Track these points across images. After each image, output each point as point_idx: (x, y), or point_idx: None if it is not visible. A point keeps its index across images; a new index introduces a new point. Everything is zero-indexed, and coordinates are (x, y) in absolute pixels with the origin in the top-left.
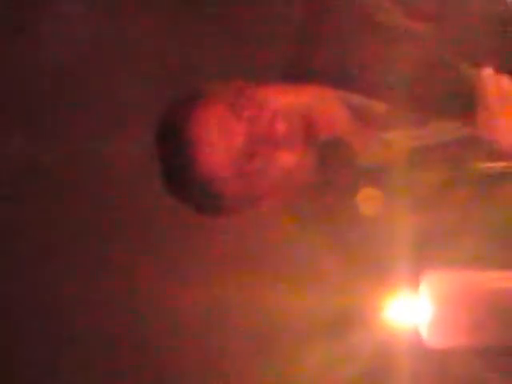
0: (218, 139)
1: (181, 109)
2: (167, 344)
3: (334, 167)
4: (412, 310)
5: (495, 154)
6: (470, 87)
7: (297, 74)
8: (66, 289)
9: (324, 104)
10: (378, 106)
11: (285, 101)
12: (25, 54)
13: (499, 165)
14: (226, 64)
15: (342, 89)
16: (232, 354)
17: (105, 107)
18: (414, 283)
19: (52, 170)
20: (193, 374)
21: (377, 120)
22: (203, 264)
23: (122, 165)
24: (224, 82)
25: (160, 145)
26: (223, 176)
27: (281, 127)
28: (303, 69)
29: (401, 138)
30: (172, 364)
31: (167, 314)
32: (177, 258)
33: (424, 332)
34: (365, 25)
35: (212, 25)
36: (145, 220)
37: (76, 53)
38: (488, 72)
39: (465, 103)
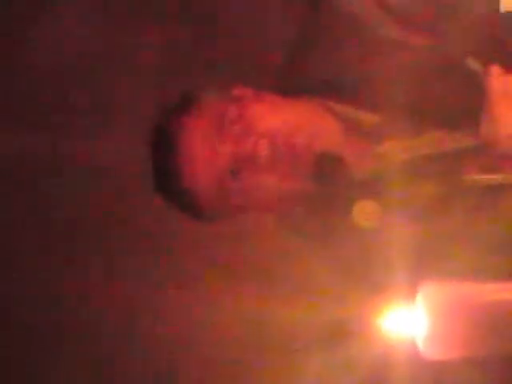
0: (202, 155)
1: (171, 117)
2: (159, 350)
3: (328, 181)
4: (409, 321)
5: (493, 165)
6: (476, 84)
7: (290, 85)
8: (54, 288)
9: (316, 117)
10: (372, 118)
11: (274, 121)
12: (21, 53)
13: (496, 176)
14: (221, 71)
15: (335, 101)
16: (226, 365)
17: (98, 108)
18: (411, 295)
19: (43, 168)
20: (186, 381)
21: (370, 132)
22: (197, 273)
23: (116, 166)
24: (218, 87)
25: (150, 149)
26: (203, 189)
27: (264, 153)
28: (297, 80)
29: (395, 150)
30: (165, 371)
31: (162, 321)
32: (171, 265)
33: (421, 344)
34: (359, 36)
35: (208, 30)
36: (136, 225)
37: (71, 55)
38: (495, 70)
39: (469, 107)
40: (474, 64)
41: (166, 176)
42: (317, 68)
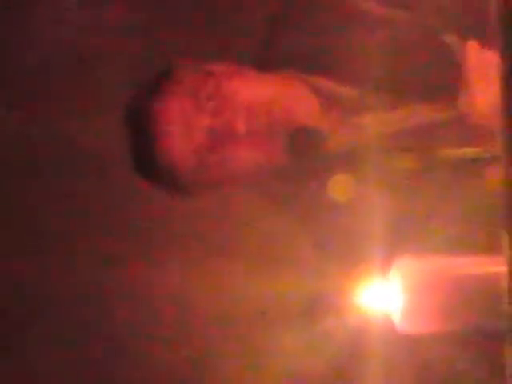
0: (180, 131)
1: (147, 94)
2: (140, 330)
3: (304, 154)
4: (384, 295)
5: (470, 139)
6: (453, 58)
7: (268, 58)
8: (37, 274)
9: (293, 91)
10: (350, 91)
11: (251, 95)
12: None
13: (473, 150)
14: (198, 46)
15: (313, 74)
16: (203, 339)
17: (80, 88)
18: (386, 269)
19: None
20: (165, 361)
21: (348, 105)
22: (173, 248)
23: (98, 147)
24: (195, 63)
25: (127, 130)
26: (183, 166)
27: (242, 126)
28: (275, 54)
29: (373, 123)
30: (144, 350)
31: (141, 300)
32: (149, 242)
33: (396, 318)
34: (337, 10)
35: (185, 6)
36: (119, 204)
37: (53, 36)
38: (472, 45)
39: (446, 81)
40: (451, 39)
41: (144, 153)
42: (294, 42)
